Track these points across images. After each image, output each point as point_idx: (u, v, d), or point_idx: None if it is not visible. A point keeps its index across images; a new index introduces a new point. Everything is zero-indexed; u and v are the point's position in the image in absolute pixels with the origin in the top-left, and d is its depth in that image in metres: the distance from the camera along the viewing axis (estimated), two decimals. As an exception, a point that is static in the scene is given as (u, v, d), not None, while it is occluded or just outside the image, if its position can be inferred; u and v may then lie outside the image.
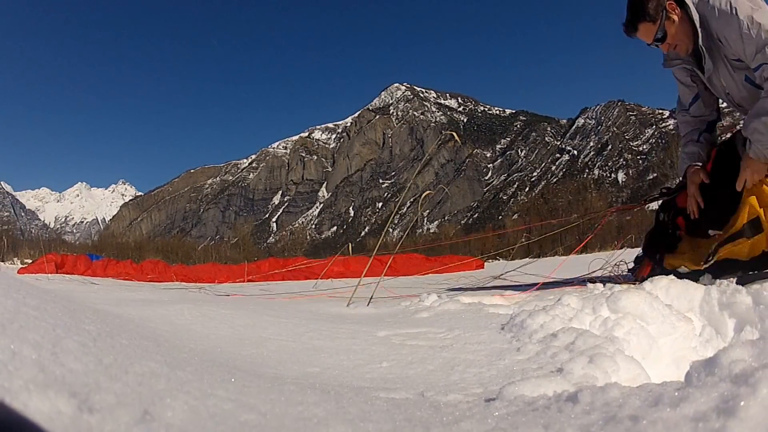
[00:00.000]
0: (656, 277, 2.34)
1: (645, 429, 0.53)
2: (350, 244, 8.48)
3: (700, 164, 2.61)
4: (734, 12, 2.17)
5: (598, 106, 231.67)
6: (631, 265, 3.13)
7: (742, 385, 0.55)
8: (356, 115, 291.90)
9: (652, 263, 2.76)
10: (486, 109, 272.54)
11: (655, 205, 3.06)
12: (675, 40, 2.39)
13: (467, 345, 1.53)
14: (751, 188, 2.30)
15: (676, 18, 2.33)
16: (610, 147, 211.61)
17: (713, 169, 2.56)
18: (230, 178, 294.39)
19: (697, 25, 2.30)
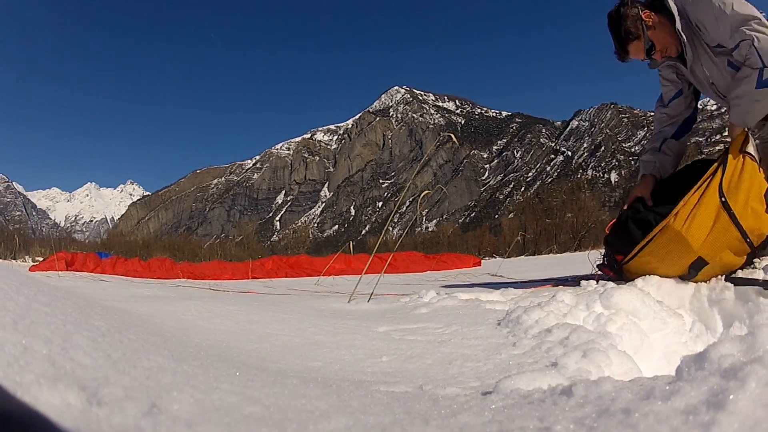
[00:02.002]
0: (648, 276, 2.34)
1: (637, 421, 0.53)
2: (351, 243, 8.49)
3: (653, 176, 2.52)
4: None
5: (592, 109, 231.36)
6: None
7: (731, 379, 0.55)
8: (357, 117, 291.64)
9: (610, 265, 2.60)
10: (483, 112, 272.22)
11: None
12: (662, 44, 2.37)
13: (465, 340, 1.53)
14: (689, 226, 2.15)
15: (653, 23, 2.33)
16: (603, 148, 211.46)
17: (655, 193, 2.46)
18: (235, 178, 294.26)
19: (675, 12, 2.27)
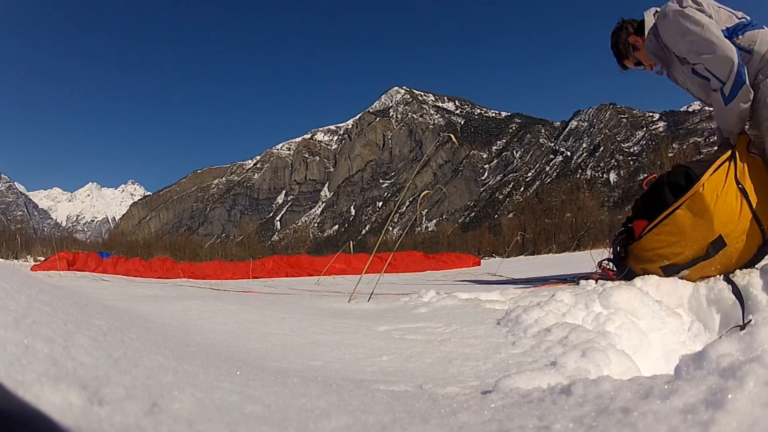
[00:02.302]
0: (646, 275, 2.34)
1: (636, 420, 0.53)
2: (351, 242, 8.48)
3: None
4: (669, 17, 2.45)
5: (591, 109, 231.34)
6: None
7: (729, 378, 0.55)
8: (357, 117, 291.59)
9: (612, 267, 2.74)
10: (482, 112, 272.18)
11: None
12: (647, 61, 2.74)
13: (464, 339, 1.53)
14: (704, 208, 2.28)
15: (640, 46, 2.71)
16: (602, 148, 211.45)
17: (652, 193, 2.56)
18: (236, 178, 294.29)
19: (645, 33, 2.62)
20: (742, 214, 2.24)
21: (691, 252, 2.30)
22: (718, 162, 2.32)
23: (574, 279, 3.06)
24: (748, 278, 2.13)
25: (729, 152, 2.35)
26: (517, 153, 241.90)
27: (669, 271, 2.36)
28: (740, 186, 2.26)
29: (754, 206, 2.24)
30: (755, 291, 2.04)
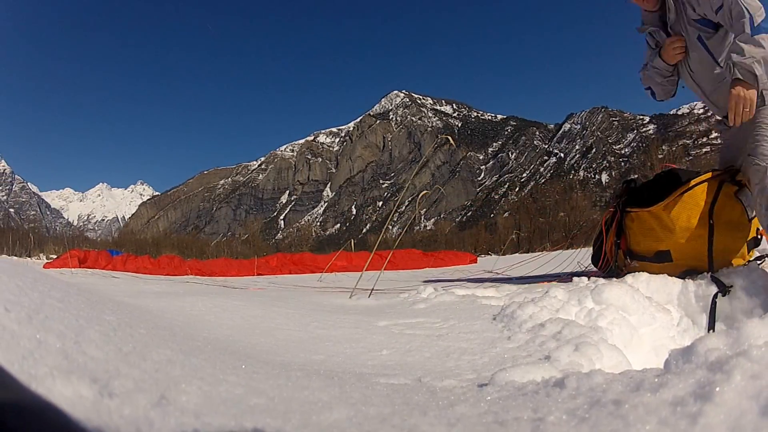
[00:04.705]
0: (637, 272, 2.35)
1: (627, 412, 0.53)
2: (353, 241, 8.48)
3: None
4: None
5: (584, 112, 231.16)
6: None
7: (717, 372, 0.55)
8: (358, 120, 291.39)
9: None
10: (479, 115, 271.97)
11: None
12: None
13: (461, 334, 1.53)
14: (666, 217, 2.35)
15: None
16: (594, 150, 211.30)
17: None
18: (241, 178, 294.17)
19: None
20: (699, 245, 2.30)
21: (641, 249, 2.46)
22: (699, 179, 2.33)
23: (567, 276, 3.06)
24: (734, 275, 2.14)
25: (711, 174, 2.34)
26: (512, 154, 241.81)
27: (631, 255, 2.53)
28: (711, 222, 2.28)
29: (713, 245, 2.29)
30: (737, 288, 2.04)
